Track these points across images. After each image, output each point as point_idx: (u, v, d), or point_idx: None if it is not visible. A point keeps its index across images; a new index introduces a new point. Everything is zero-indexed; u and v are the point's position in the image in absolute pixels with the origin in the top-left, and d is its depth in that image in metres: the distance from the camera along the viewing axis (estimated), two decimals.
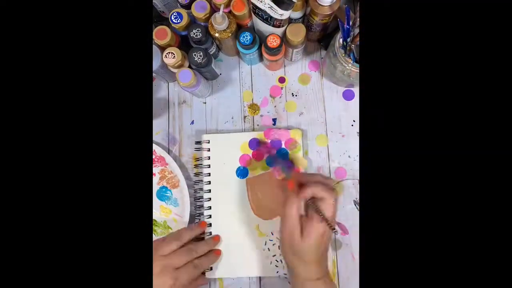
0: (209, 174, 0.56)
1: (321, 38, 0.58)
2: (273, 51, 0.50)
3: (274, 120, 0.58)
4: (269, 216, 0.54)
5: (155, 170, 0.58)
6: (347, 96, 0.58)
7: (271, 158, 0.54)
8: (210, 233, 0.55)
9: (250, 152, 0.56)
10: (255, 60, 0.57)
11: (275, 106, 0.58)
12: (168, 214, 0.57)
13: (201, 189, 0.57)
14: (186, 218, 0.55)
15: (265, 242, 0.54)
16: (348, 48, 0.46)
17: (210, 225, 0.55)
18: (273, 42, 0.49)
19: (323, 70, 0.58)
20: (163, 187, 0.57)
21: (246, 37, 0.50)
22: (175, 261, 0.46)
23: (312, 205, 0.40)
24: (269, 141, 0.56)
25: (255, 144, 0.56)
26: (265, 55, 0.52)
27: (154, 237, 0.56)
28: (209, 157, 0.56)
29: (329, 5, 0.47)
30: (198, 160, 0.58)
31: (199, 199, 0.57)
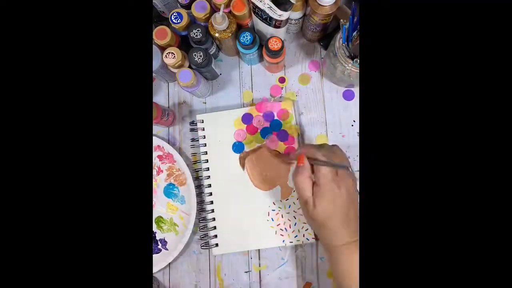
0: (206, 153, 0.57)
1: (321, 38, 0.58)
2: (274, 54, 0.50)
3: None
4: (269, 187, 0.55)
5: (163, 167, 0.58)
6: (347, 96, 0.58)
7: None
8: (212, 210, 0.55)
9: (244, 126, 0.57)
10: (254, 60, 0.57)
11: (272, 102, 0.58)
12: (174, 211, 0.57)
13: (200, 168, 0.57)
14: (193, 216, 0.55)
15: (268, 212, 0.55)
16: (352, 41, 0.46)
17: (211, 202, 0.56)
18: (274, 44, 0.49)
19: (323, 70, 0.58)
20: (171, 184, 0.57)
21: (246, 37, 0.50)
22: None
23: (316, 162, 0.39)
24: (261, 114, 0.57)
25: (248, 118, 0.57)
26: (265, 57, 0.52)
27: (160, 234, 0.57)
28: (204, 136, 0.57)
29: (329, 5, 0.47)
30: (194, 141, 0.58)
31: (198, 178, 0.57)
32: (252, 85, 0.59)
